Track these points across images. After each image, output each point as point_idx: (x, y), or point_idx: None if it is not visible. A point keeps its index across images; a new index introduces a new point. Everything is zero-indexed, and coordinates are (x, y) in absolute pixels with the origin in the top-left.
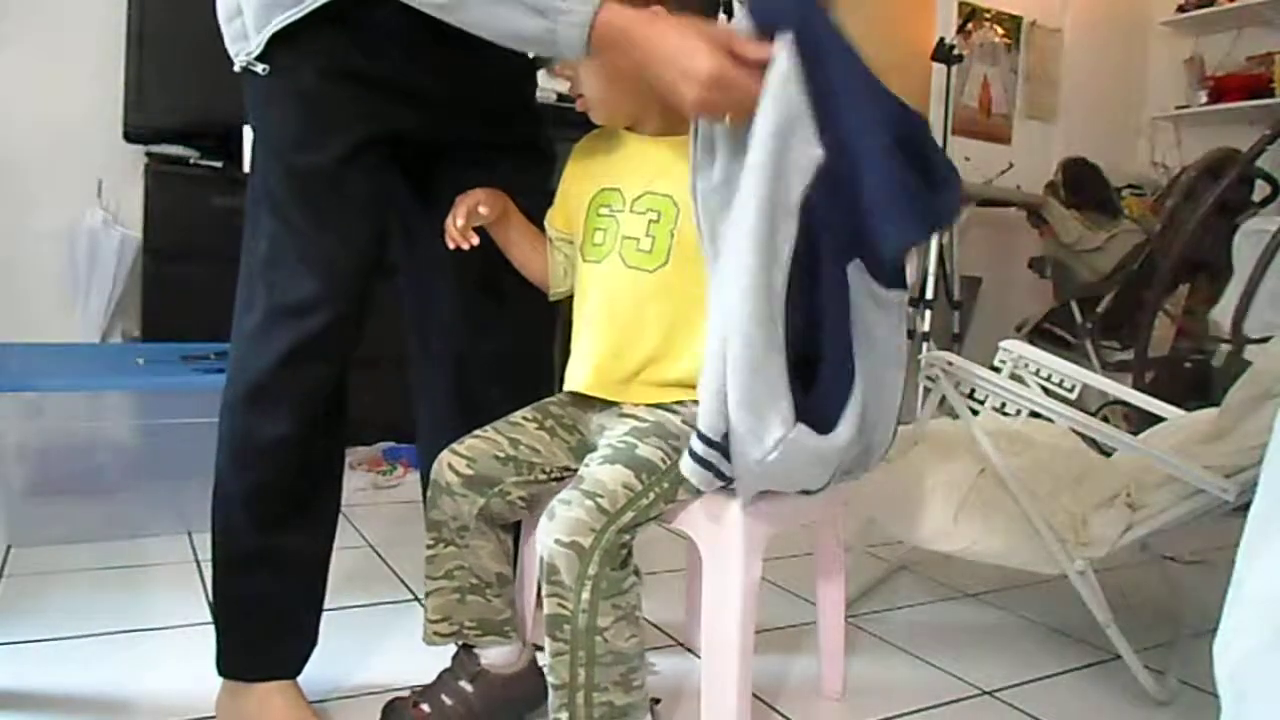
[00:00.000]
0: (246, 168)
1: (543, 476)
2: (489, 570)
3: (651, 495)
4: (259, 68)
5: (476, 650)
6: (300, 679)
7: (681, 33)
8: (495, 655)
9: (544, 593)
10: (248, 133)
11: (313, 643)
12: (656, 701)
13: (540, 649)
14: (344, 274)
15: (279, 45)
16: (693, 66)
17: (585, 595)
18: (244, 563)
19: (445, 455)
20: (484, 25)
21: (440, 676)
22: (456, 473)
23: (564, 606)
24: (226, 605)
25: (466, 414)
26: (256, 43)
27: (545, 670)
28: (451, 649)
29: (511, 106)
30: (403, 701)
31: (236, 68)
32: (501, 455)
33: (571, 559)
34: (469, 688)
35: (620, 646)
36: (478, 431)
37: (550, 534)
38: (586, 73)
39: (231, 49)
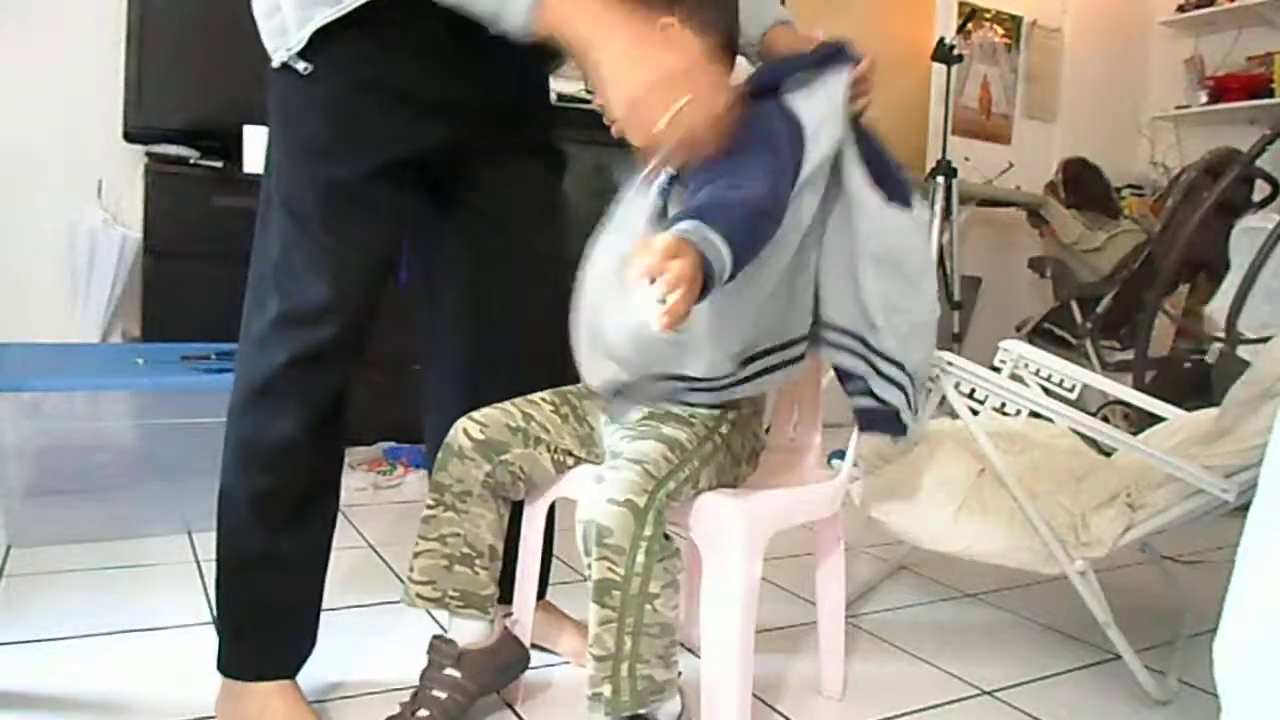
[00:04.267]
0: (247, 167)
1: (546, 453)
2: (483, 541)
3: (686, 470)
4: (300, 65)
5: (450, 634)
6: (300, 679)
7: (624, 54)
8: (472, 633)
9: (593, 558)
10: (249, 132)
11: (312, 643)
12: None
13: (532, 646)
14: (357, 284)
15: (313, 53)
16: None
17: (640, 558)
18: (248, 563)
19: (462, 421)
20: None
21: (423, 675)
22: (470, 436)
23: (614, 571)
24: (229, 605)
25: None
26: (298, 39)
27: (589, 642)
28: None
29: (532, 108)
30: (398, 717)
31: (275, 64)
32: (513, 425)
33: (626, 518)
34: (456, 673)
35: (667, 616)
36: (496, 405)
37: (603, 495)
38: (609, 90)
39: (269, 45)
